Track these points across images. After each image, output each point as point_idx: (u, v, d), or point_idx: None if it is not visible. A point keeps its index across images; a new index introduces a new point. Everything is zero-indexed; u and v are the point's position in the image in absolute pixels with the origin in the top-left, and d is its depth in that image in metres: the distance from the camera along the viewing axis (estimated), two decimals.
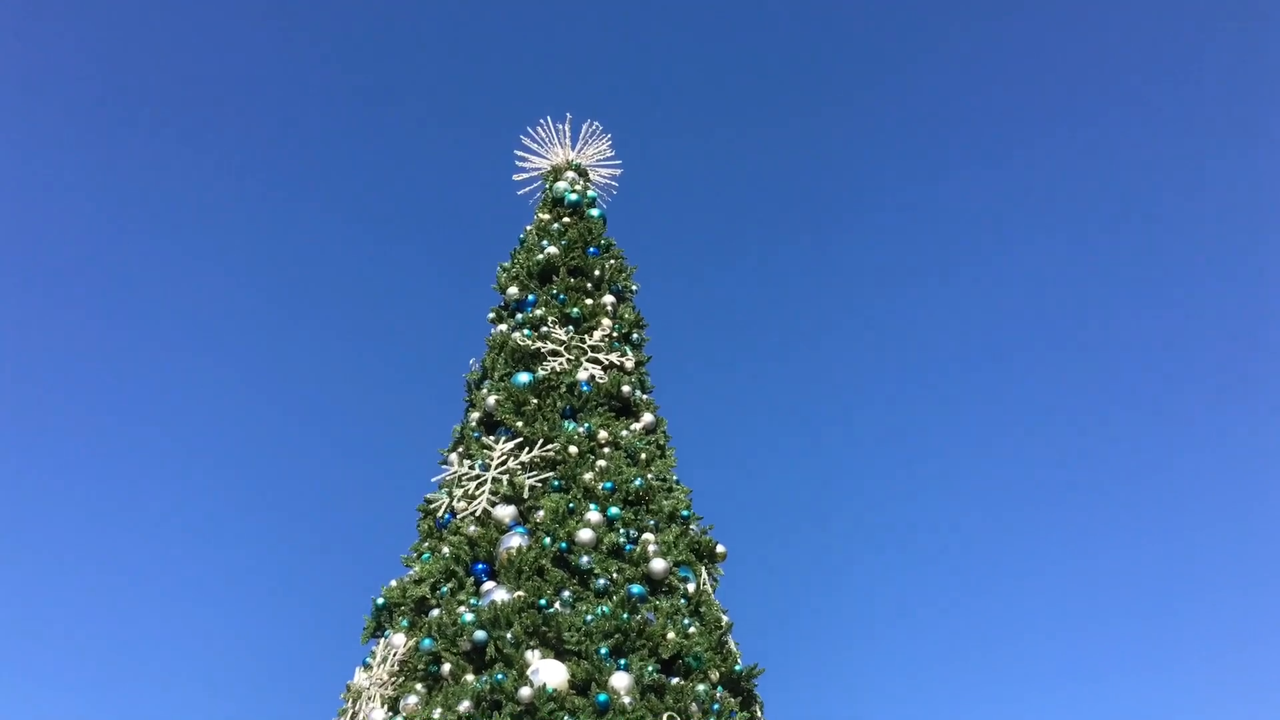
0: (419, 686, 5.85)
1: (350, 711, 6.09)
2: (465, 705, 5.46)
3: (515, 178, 9.79)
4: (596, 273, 8.51)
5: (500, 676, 5.53)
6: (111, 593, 20.15)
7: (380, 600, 6.59)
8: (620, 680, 5.61)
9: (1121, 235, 22.92)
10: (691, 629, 6.10)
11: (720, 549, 7.06)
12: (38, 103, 20.91)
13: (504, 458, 7.00)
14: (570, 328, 8.02)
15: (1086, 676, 19.75)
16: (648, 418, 7.66)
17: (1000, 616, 21.34)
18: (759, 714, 6.25)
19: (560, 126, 9.77)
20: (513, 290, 8.42)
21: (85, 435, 21.32)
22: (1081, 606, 20.82)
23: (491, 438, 7.29)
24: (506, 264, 8.77)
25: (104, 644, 19.37)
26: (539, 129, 9.79)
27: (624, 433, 7.33)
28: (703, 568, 6.84)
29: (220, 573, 20.99)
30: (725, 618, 6.50)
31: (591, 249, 8.70)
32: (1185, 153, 22.53)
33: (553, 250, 8.56)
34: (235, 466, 22.25)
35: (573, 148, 9.72)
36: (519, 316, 8.18)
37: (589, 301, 8.25)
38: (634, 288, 8.76)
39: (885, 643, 21.02)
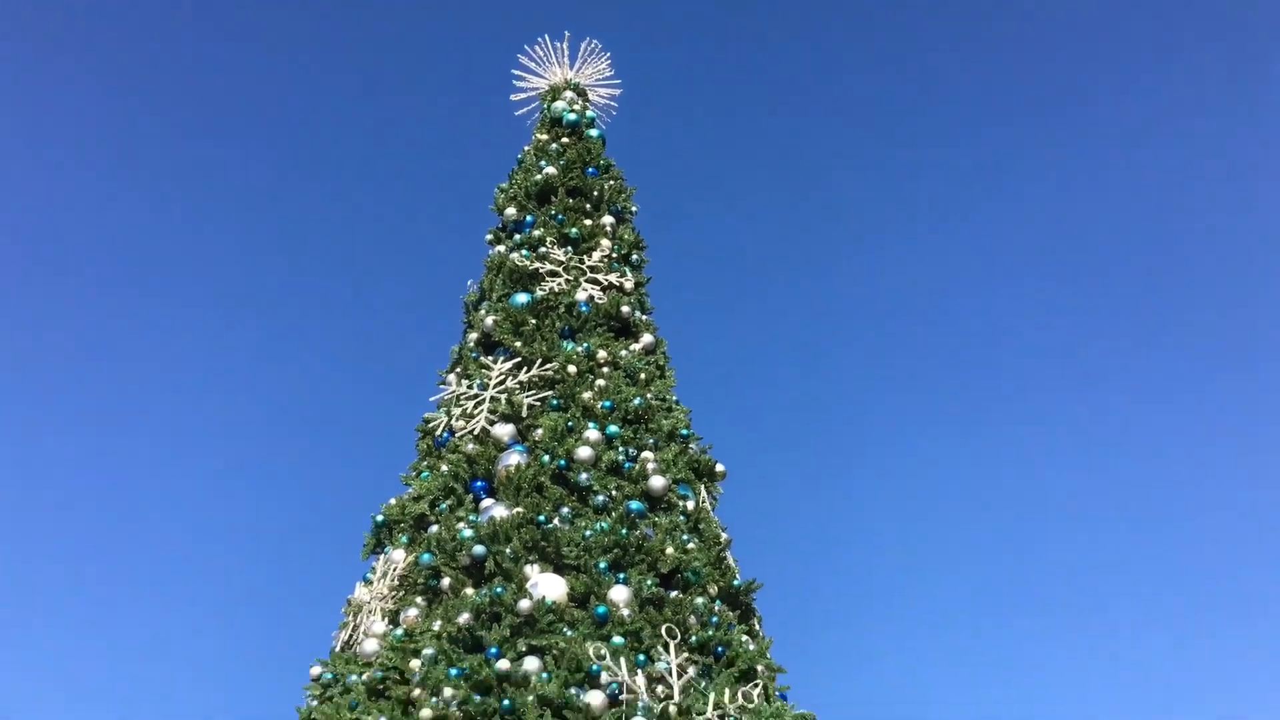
0: (419, 600, 5.89)
1: (351, 624, 6.14)
2: (465, 617, 5.49)
3: (513, 98, 9.63)
4: (595, 193, 8.41)
5: (499, 589, 5.56)
6: (112, 516, 20.37)
7: (380, 517, 6.61)
8: (619, 593, 5.64)
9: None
10: (690, 545, 6.12)
11: (720, 468, 7.06)
12: None
13: (502, 377, 6.98)
14: (569, 248, 7.94)
15: (1084, 586, 19.96)
16: (647, 338, 7.62)
17: (1002, 533, 21.45)
18: (757, 627, 6.30)
19: (558, 45, 9.59)
20: (511, 211, 8.33)
21: (85, 360, 21.33)
22: (1077, 514, 20.91)
23: (490, 358, 7.26)
24: (504, 185, 8.67)
25: (101, 568, 19.65)
26: (537, 48, 9.62)
27: (623, 353, 7.30)
28: (702, 486, 6.84)
29: (225, 494, 21.23)
30: (724, 534, 6.52)
31: (590, 169, 8.58)
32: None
33: (551, 171, 8.45)
34: (236, 392, 22.34)
35: (571, 67, 9.55)
36: (517, 237, 8.10)
37: (588, 222, 8.16)
38: (633, 209, 8.66)
39: (882, 561, 21.25)
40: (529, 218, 8.21)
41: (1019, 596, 20.51)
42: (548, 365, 6.98)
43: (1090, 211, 22.80)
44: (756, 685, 5.54)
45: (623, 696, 5.13)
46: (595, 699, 5.07)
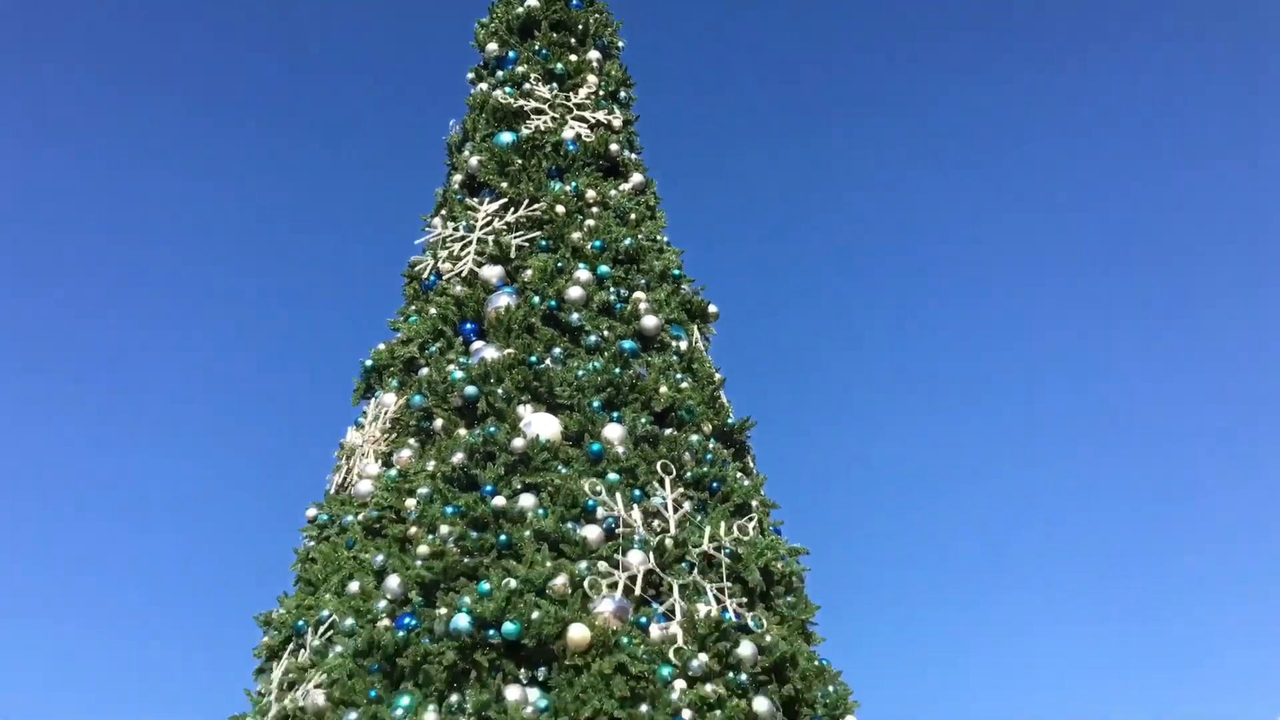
0: (411, 441, 5.85)
1: (345, 467, 6.12)
2: (459, 457, 5.46)
3: None
4: (580, 27, 8.04)
5: (493, 429, 5.51)
6: (105, 369, 20.39)
7: (369, 362, 6.52)
8: (613, 431, 5.60)
9: None
10: (684, 384, 6.07)
11: (712, 309, 6.96)
12: None
13: (489, 219, 6.79)
14: (554, 85, 7.63)
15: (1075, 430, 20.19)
16: (636, 178, 7.40)
17: (998, 364, 21.52)
18: (751, 464, 6.32)
19: None
20: (492, 47, 7.97)
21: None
22: (1072, 359, 20.95)
23: (475, 199, 7.05)
24: (485, 20, 8.27)
25: (96, 421, 19.78)
26: None
27: (612, 193, 7.09)
28: (694, 327, 6.75)
29: (214, 346, 21.26)
30: (718, 374, 6.47)
31: (574, 1, 8.18)
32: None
33: (533, 3, 8.04)
34: (224, 243, 22.09)
35: None
36: (500, 74, 7.77)
37: (573, 58, 7.82)
38: (620, 44, 8.30)
39: (874, 400, 21.46)
40: (511, 53, 7.86)
41: (1010, 425, 20.79)
42: (535, 206, 6.79)
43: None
44: (751, 519, 5.57)
45: (619, 530, 5.15)
46: (591, 533, 5.09)
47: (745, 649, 4.87)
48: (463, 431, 5.68)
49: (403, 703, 4.48)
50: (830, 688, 5.29)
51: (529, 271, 6.38)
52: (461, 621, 4.59)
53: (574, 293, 6.23)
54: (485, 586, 4.74)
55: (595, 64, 7.88)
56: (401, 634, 4.71)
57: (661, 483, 5.46)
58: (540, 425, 5.56)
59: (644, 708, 4.44)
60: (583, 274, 6.36)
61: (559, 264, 6.42)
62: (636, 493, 5.36)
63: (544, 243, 6.60)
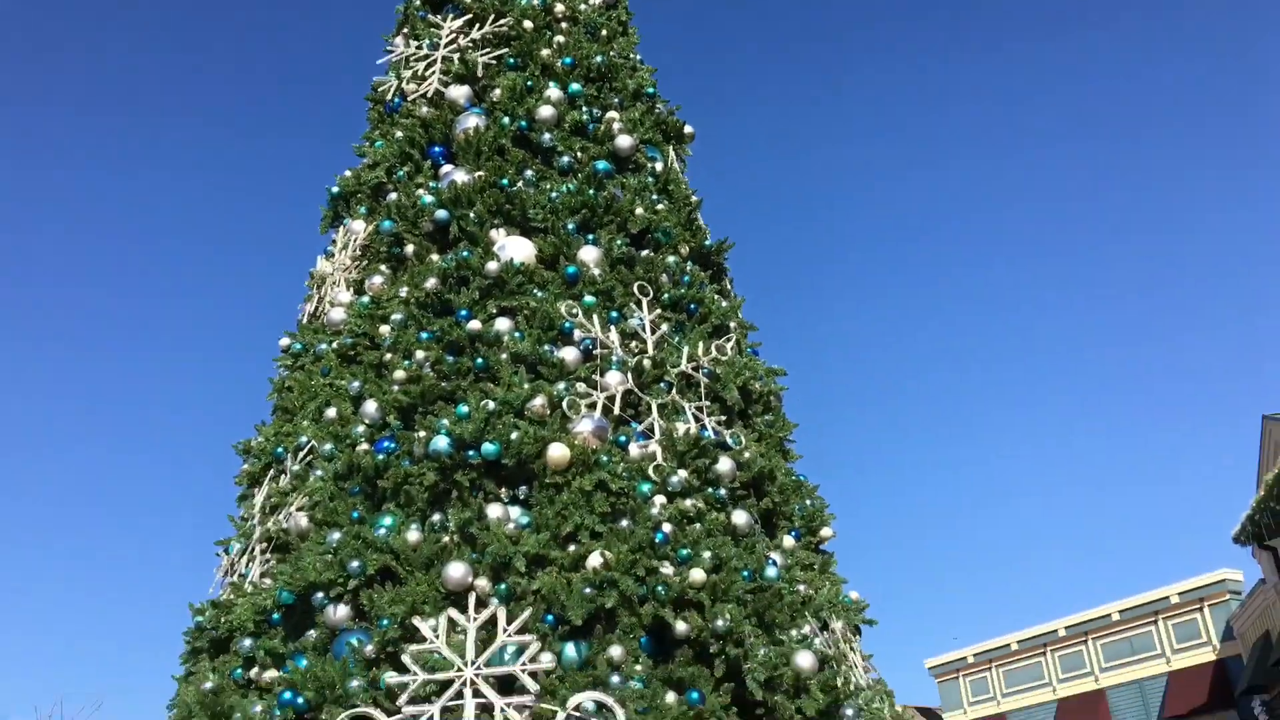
0: (383, 268, 5.73)
1: (316, 296, 6.02)
2: (432, 282, 5.36)
3: None
4: None
5: (466, 253, 5.39)
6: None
7: (335, 189, 6.33)
8: (589, 254, 5.50)
9: None
10: (660, 205, 5.94)
11: (688, 129, 6.76)
12: None
13: (453, 35, 6.48)
14: None
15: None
16: None
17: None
18: (728, 286, 6.26)
19: None
20: None
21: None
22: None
23: (438, 16, 6.71)
24: None
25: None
26: None
27: (582, 6, 6.77)
28: (670, 148, 6.57)
29: (175, 177, 20.86)
30: (694, 196, 6.33)
31: None
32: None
33: None
34: (181, 74, 21.33)
35: None
36: None
37: None
38: None
39: (855, 224, 21.40)
40: None
41: (993, 237, 20.81)
42: (501, 21, 6.47)
43: None
44: (729, 340, 5.56)
45: (596, 352, 5.11)
46: (569, 354, 5.05)
47: (724, 465, 4.92)
48: (435, 257, 5.56)
49: (385, 523, 4.52)
50: (807, 501, 5.38)
51: (497, 91, 6.13)
52: (441, 443, 4.59)
53: (545, 112, 6.01)
54: (464, 409, 4.72)
55: None
56: (381, 457, 4.71)
57: (639, 304, 5.39)
58: (514, 248, 5.44)
59: (624, 523, 4.50)
60: (554, 92, 6.12)
61: (528, 82, 6.16)
62: (614, 314, 5.30)
63: (512, 60, 6.33)
